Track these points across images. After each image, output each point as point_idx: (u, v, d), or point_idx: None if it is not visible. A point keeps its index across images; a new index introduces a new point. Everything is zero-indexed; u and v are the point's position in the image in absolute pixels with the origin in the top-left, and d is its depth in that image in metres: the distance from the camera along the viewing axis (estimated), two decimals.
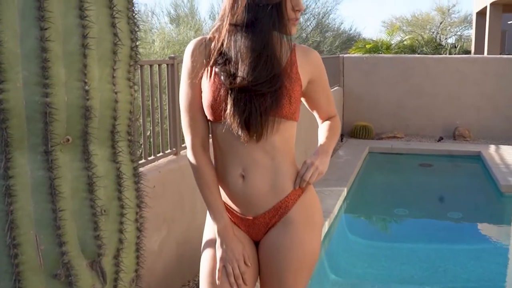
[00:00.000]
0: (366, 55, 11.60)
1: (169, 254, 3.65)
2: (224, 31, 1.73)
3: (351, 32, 18.78)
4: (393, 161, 9.35)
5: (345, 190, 6.61)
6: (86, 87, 1.24)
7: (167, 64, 3.76)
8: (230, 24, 1.71)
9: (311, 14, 15.78)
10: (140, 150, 3.80)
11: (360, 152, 9.00)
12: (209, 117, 1.78)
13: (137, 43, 1.47)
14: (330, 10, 16.30)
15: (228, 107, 1.69)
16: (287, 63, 1.77)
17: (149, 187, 3.25)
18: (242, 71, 1.67)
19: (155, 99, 3.88)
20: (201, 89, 1.78)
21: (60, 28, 1.20)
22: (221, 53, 1.74)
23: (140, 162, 3.45)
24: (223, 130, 1.76)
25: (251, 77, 1.65)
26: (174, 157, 3.83)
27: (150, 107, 3.73)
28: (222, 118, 1.72)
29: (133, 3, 1.45)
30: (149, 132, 4.10)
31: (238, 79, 1.67)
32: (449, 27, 31.47)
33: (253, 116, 1.68)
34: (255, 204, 1.81)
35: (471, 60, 10.91)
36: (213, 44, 1.77)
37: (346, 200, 6.56)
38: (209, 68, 1.76)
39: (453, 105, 10.61)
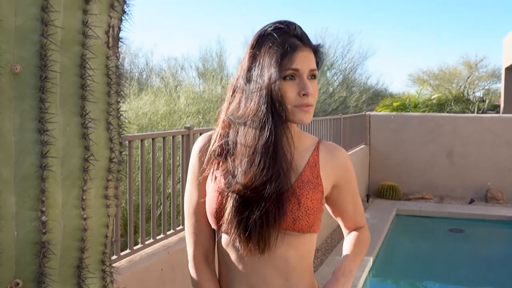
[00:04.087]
0: (394, 113, 11.33)
1: None
2: (224, 124, 1.50)
3: (377, 86, 18.59)
4: (422, 225, 8.91)
5: (371, 259, 6.23)
6: (44, 218, 0.99)
7: (182, 135, 3.54)
8: (228, 117, 1.47)
9: (338, 69, 15.69)
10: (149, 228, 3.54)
11: (387, 215, 8.60)
12: (212, 225, 1.52)
13: (121, 150, 1.22)
14: (357, 65, 16.18)
15: (227, 211, 1.43)
16: (306, 164, 1.50)
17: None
18: (238, 171, 1.42)
19: (167, 173, 3.64)
20: (206, 192, 1.53)
21: (12, 147, 0.96)
22: (222, 150, 1.49)
23: (147, 242, 3.19)
24: (228, 241, 1.49)
25: (245, 179, 1.39)
26: None
27: (162, 181, 3.49)
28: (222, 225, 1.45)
29: (117, 102, 1.22)
30: (159, 210, 3.85)
31: (234, 182, 1.41)
32: (477, 81, 31.13)
33: (252, 225, 1.40)
34: None
35: (503, 120, 10.53)
36: (212, 139, 1.53)
37: (372, 271, 6.17)
38: (215, 168, 1.51)
39: (484, 166, 10.19)
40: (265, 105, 1.39)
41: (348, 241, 1.66)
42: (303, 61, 1.41)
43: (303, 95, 1.41)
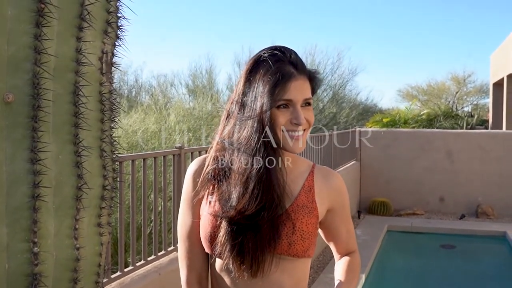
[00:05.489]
0: (384, 129, 11.38)
1: None
2: (218, 147, 1.49)
3: (367, 102, 18.69)
4: (413, 241, 8.88)
5: (363, 277, 6.19)
6: (35, 249, 0.97)
7: (173, 155, 3.52)
8: (221, 141, 1.46)
9: (327, 85, 15.77)
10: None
11: (378, 231, 8.58)
12: (206, 248, 1.50)
13: (114, 176, 1.20)
14: (347, 81, 16.27)
15: (220, 234, 1.42)
16: (301, 189, 1.49)
17: None
18: (232, 197, 1.40)
19: (158, 192, 3.61)
20: (200, 216, 1.51)
21: (3, 177, 0.94)
22: (216, 173, 1.48)
23: (138, 264, 3.14)
24: (222, 265, 1.47)
25: (239, 205, 1.38)
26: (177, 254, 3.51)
27: (153, 200, 3.46)
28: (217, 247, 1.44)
29: (110, 128, 1.20)
30: (149, 227, 3.81)
31: (228, 206, 1.40)
32: (465, 96, 31.42)
33: (246, 249, 1.39)
34: None
35: (492, 135, 10.60)
36: (207, 162, 1.51)
37: (364, 287, 6.13)
38: (209, 191, 1.49)
39: (474, 181, 10.22)
40: (257, 134, 1.38)
41: (341, 267, 1.64)
42: (297, 90, 1.40)
43: (295, 124, 1.41)
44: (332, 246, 1.68)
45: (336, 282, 1.59)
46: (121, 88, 14.47)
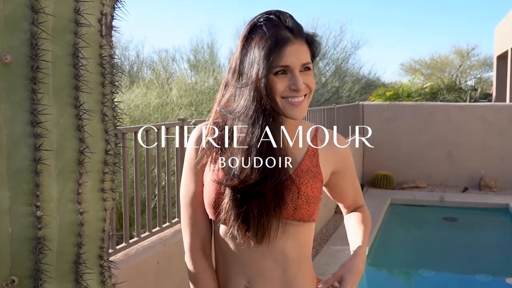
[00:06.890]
0: (387, 102, 11.32)
1: None
2: (218, 115, 1.47)
3: (370, 76, 18.56)
4: (416, 214, 8.92)
5: (367, 249, 6.23)
6: (39, 213, 0.96)
7: (176, 127, 3.50)
8: (220, 110, 1.45)
9: (330, 59, 15.65)
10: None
11: (381, 204, 8.62)
12: (210, 215, 1.50)
13: (117, 142, 1.19)
14: (349, 55, 16.13)
15: (225, 201, 1.41)
16: (305, 153, 1.49)
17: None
18: (235, 165, 1.39)
19: (162, 164, 3.60)
20: (203, 183, 1.51)
21: (4, 140, 0.93)
22: (218, 141, 1.47)
23: (143, 235, 3.16)
24: (226, 232, 1.47)
25: (243, 175, 1.37)
26: None
27: (156, 173, 3.46)
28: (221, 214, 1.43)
29: (111, 93, 1.18)
30: (153, 201, 3.82)
31: (231, 174, 1.39)
32: (469, 69, 31.20)
33: (251, 216, 1.39)
34: None
35: (496, 108, 10.56)
36: (206, 131, 1.50)
37: (368, 260, 6.15)
38: (212, 158, 1.48)
39: (477, 154, 10.22)
40: (255, 102, 1.37)
41: (353, 223, 1.70)
42: (294, 55, 1.36)
43: (294, 90, 1.38)
44: (339, 203, 1.72)
45: (350, 239, 1.62)
46: (123, 64, 14.38)
